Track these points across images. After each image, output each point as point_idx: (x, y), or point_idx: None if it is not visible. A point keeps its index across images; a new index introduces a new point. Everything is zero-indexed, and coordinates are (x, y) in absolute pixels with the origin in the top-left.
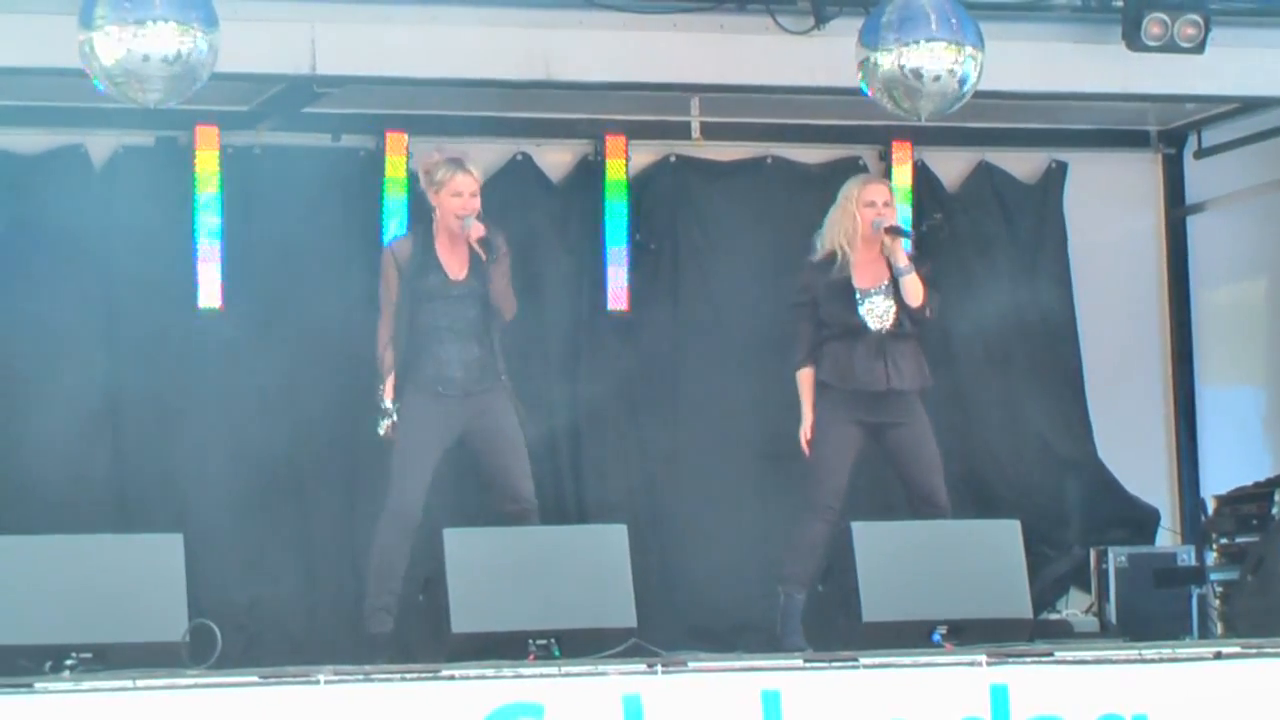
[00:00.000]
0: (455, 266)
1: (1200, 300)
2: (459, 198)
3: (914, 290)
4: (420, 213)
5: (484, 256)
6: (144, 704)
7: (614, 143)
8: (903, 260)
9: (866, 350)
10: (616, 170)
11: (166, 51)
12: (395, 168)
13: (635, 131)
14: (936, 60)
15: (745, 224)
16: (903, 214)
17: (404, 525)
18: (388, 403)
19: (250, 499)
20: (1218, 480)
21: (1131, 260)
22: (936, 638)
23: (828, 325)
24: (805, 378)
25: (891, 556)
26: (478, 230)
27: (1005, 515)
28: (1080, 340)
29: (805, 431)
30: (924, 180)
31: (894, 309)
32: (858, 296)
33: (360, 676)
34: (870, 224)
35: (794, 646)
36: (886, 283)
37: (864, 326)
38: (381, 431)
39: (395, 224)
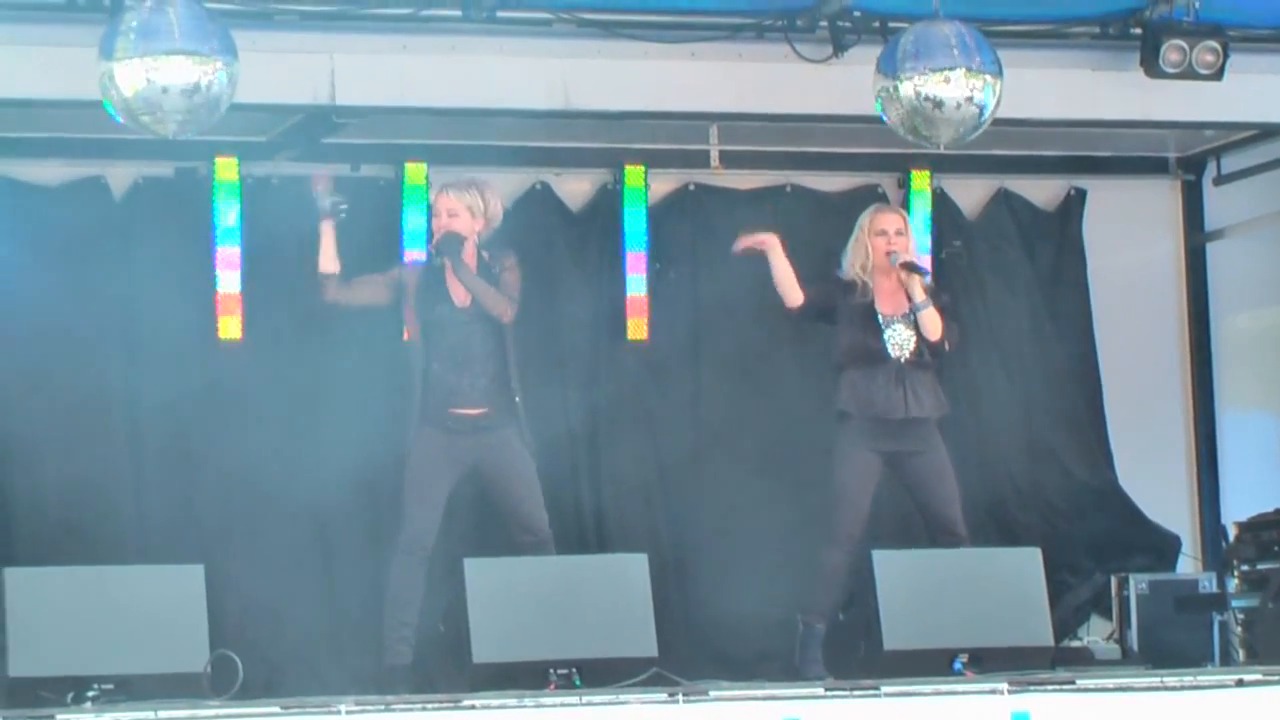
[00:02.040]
0: (461, 293)
1: (1220, 327)
2: (438, 219)
3: (932, 325)
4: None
5: (445, 258)
6: None
7: (633, 171)
8: (919, 295)
9: (886, 378)
10: (635, 199)
11: (186, 83)
12: (415, 197)
13: (654, 160)
14: (955, 88)
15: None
16: (920, 242)
17: (417, 556)
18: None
19: (272, 530)
20: (1239, 507)
21: (1151, 287)
22: (958, 666)
23: (849, 351)
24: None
25: (912, 585)
26: (438, 234)
27: (1026, 542)
28: (1100, 367)
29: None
30: (943, 208)
31: (914, 338)
32: (881, 323)
33: (381, 707)
34: (883, 254)
35: (814, 676)
36: (908, 311)
37: (885, 354)
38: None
39: (415, 253)
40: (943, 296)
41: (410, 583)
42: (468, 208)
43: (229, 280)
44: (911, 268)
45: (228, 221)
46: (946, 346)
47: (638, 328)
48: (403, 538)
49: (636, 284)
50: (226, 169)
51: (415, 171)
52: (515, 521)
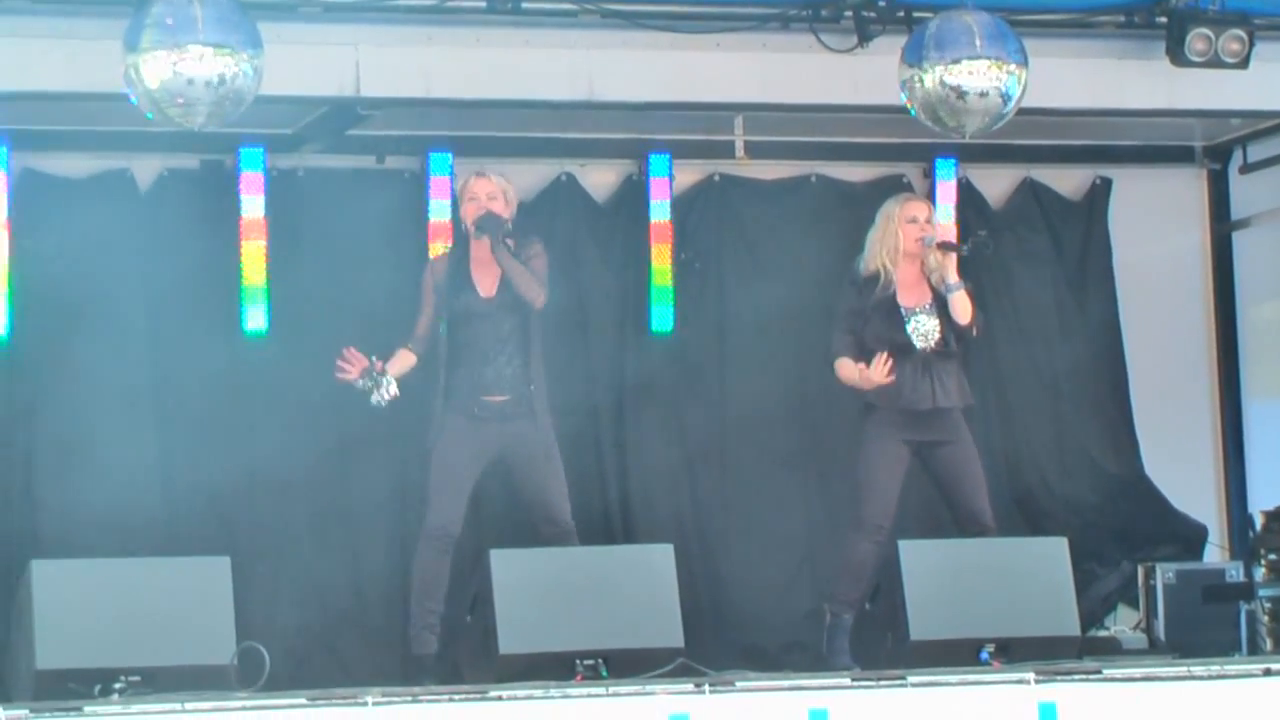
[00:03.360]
0: (487, 283)
1: (1246, 316)
2: (474, 202)
3: (963, 307)
4: (461, 234)
5: (487, 236)
6: None
7: (658, 162)
8: (953, 276)
9: (913, 369)
10: (661, 190)
11: (211, 75)
12: (440, 189)
13: (680, 151)
14: (980, 78)
15: (790, 242)
16: (944, 229)
17: (442, 544)
18: (381, 368)
19: (298, 521)
20: (1266, 495)
21: (1177, 276)
22: (984, 656)
23: (873, 345)
24: (845, 364)
25: (939, 575)
26: (474, 215)
27: (1053, 532)
28: (1127, 357)
29: (877, 371)
30: (968, 198)
31: (939, 327)
32: (904, 314)
33: (408, 698)
34: (916, 240)
35: (841, 666)
36: (930, 301)
37: (910, 345)
38: (372, 398)
39: (440, 245)
40: (966, 284)
41: (436, 571)
42: (503, 192)
43: (255, 273)
44: (949, 246)
45: (253, 214)
46: (974, 331)
47: (663, 318)
48: (428, 526)
49: (661, 275)
50: (252, 161)
51: (440, 163)
52: (539, 511)
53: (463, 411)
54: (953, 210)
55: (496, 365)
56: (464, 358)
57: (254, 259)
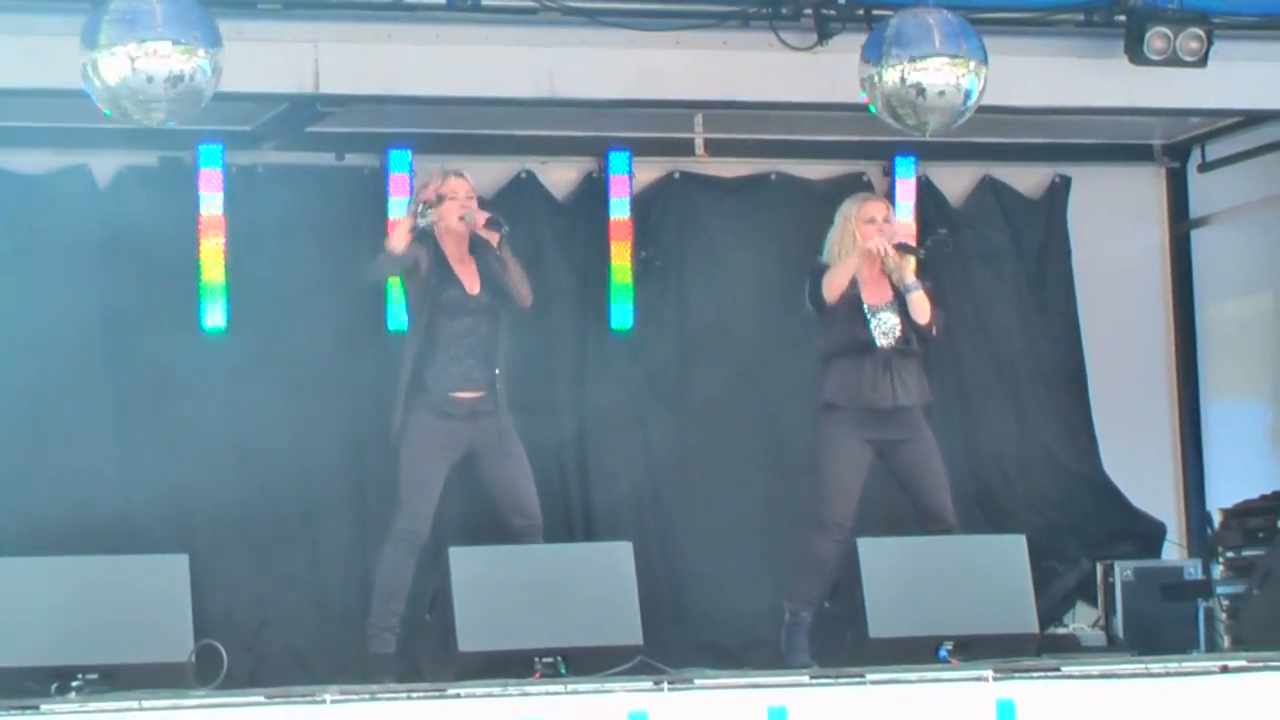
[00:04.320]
0: (470, 281)
1: (1205, 314)
2: (454, 200)
3: (921, 307)
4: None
5: (498, 234)
6: None
7: (618, 160)
8: (910, 277)
9: (873, 367)
10: (621, 187)
11: (170, 72)
12: (399, 186)
13: (639, 148)
14: (940, 76)
15: (750, 240)
16: (904, 229)
17: (412, 546)
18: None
19: (257, 519)
20: (1224, 494)
21: (1136, 274)
22: (943, 653)
23: (835, 342)
24: (831, 272)
25: (898, 572)
26: (481, 216)
27: (1012, 530)
28: (1086, 355)
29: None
30: (928, 195)
31: (900, 325)
32: (867, 312)
33: (366, 696)
34: (868, 239)
35: (799, 664)
36: (892, 299)
37: (872, 343)
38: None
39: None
40: (925, 283)
41: (401, 572)
42: (471, 187)
43: (214, 269)
44: (905, 249)
45: (212, 210)
46: (934, 331)
47: (623, 316)
48: (398, 527)
49: (621, 272)
50: (211, 158)
51: (400, 160)
52: (511, 506)
53: (432, 409)
54: (912, 209)
55: (469, 363)
56: (438, 354)
57: (213, 256)
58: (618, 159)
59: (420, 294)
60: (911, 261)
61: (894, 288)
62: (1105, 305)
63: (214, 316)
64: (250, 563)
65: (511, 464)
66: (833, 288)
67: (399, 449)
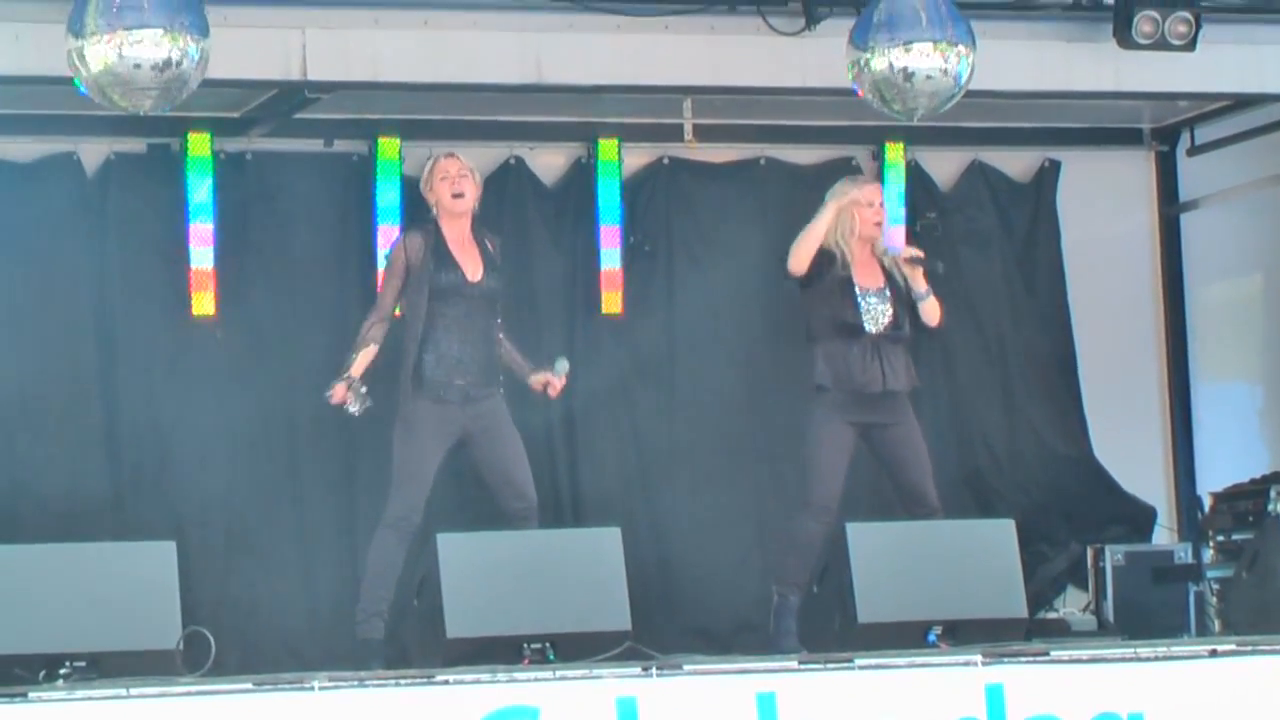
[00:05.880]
0: (471, 267)
1: (1195, 297)
2: (446, 180)
3: (933, 312)
4: (418, 215)
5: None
6: (138, 712)
7: (607, 145)
8: (922, 285)
9: (862, 351)
10: (609, 173)
11: (157, 58)
12: (388, 172)
13: (628, 134)
14: (928, 60)
15: (739, 225)
16: (894, 214)
17: (403, 533)
18: (351, 372)
19: (246, 506)
20: (1214, 477)
21: (1125, 258)
22: (932, 638)
23: (823, 325)
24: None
25: (886, 557)
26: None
27: (1002, 513)
28: (1075, 338)
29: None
30: (917, 180)
31: (890, 311)
32: (858, 295)
33: (355, 682)
34: (871, 226)
35: (788, 648)
36: (883, 284)
37: (860, 327)
38: (355, 410)
39: (388, 228)
40: (939, 265)
41: (392, 559)
42: (471, 172)
43: (202, 256)
44: (916, 261)
45: (200, 197)
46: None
47: (612, 301)
48: (390, 514)
49: (611, 258)
50: (199, 145)
51: (388, 146)
52: (508, 489)
53: (429, 395)
54: (903, 193)
55: (467, 348)
56: (438, 339)
57: (201, 242)
58: (607, 144)
59: (415, 275)
60: (920, 271)
61: (885, 271)
62: (1095, 289)
63: (203, 304)
64: (239, 550)
65: (508, 448)
66: (799, 257)
67: (396, 435)
